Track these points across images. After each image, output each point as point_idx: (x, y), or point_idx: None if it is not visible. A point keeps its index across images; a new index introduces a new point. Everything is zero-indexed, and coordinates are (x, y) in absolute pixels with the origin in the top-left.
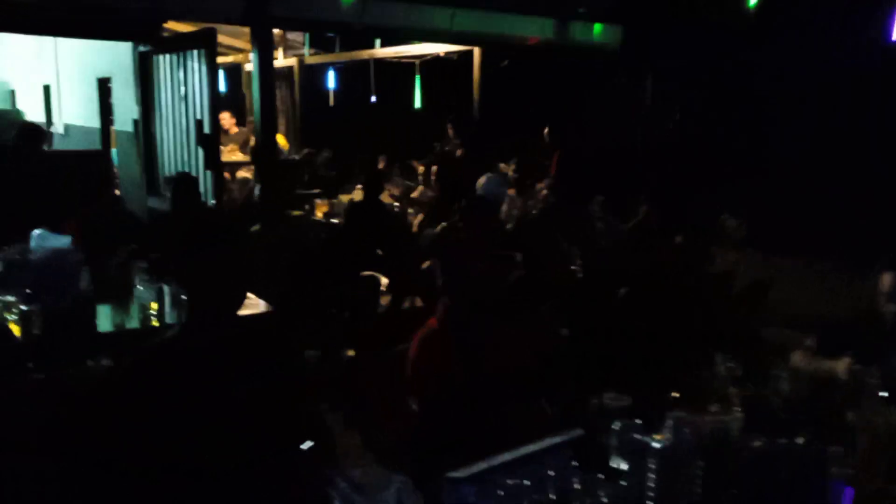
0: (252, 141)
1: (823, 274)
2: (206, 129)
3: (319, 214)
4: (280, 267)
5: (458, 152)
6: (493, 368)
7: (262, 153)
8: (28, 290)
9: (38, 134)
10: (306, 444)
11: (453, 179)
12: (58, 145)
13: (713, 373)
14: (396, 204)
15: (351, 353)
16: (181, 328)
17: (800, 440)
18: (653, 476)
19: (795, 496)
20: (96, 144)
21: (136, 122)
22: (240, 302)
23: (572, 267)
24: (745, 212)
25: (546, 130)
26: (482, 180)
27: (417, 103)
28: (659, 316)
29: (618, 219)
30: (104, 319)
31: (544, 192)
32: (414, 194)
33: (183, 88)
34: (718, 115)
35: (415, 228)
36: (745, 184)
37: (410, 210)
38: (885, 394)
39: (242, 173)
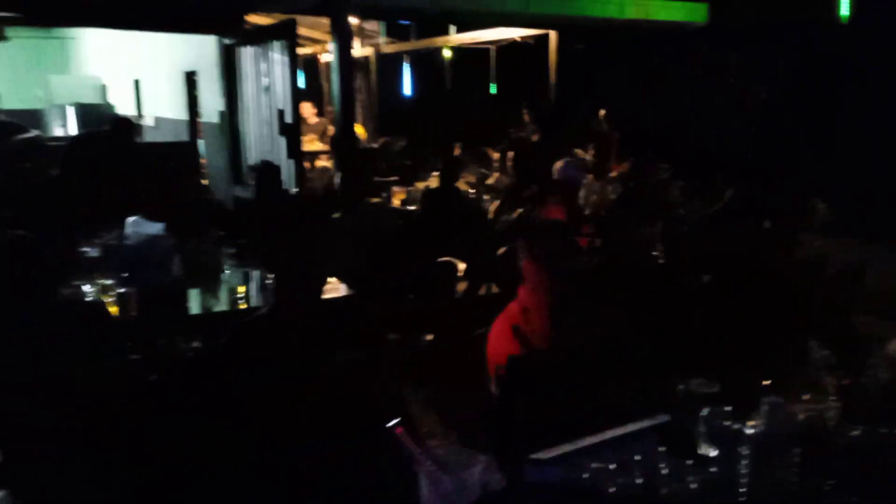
0: (330, 130)
1: None
2: (288, 119)
3: (396, 202)
4: (360, 253)
5: (534, 138)
6: (576, 351)
7: (342, 142)
8: (124, 274)
9: (128, 126)
10: (392, 422)
11: (529, 165)
12: (148, 137)
13: (807, 360)
14: (472, 191)
15: (429, 337)
16: (269, 309)
17: None
18: (746, 463)
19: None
20: (184, 136)
21: (221, 113)
22: (322, 285)
23: (653, 253)
24: (839, 196)
25: (602, 114)
26: (559, 165)
27: (493, 89)
28: (746, 302)
29: (700, 203)
30: (194, 302)
31: (613, 174)
32: (489, 181)
33: (265, 79)
34: (805, 98)
35: (490, 215)
36: (837, 167)
37: (486, 197)
38: None
39: (321, 162)
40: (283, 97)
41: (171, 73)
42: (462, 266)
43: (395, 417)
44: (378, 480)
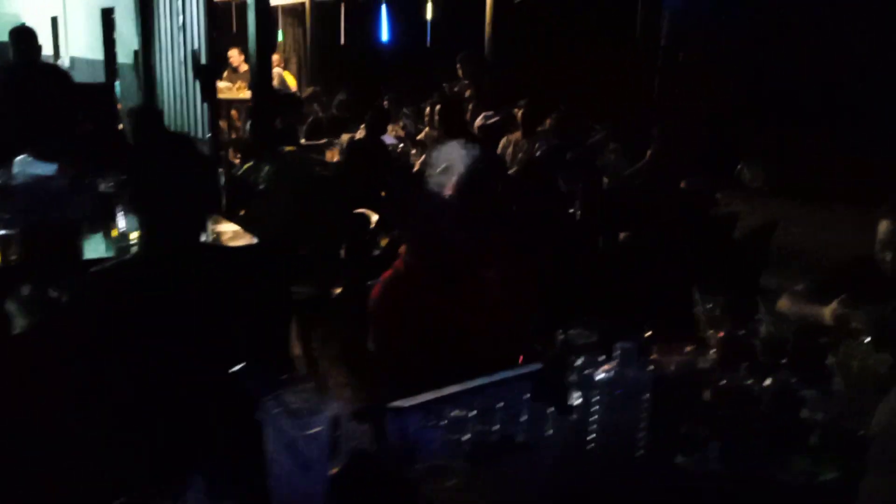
0: None
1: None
2: (203, 60)
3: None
4: (274, 203)
5: (467, 93)
6: (466, 313)
7: (256, 86)
8: (7, 216)
9: (27, 34)
10: (237, 367)
11: (454, 120)
12: None
13: (691, 313)
14: (401, 144)
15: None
16: (136, 254)
17: (768, 381)
18: (597, 409)
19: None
20: (101, 77)
21: (136, 53)
22: (196, 225)
23: (570, 210)
24: (789, 157)
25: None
26: (479, 120)
27: (429, 41)
28: (646, 258)
29: (626, 161)
30: (87, 247)
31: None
32: (420, 136)
33: (181, 17)
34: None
35: (416, 169)
36: (788, 131)
37: (412, 151)
38: (868, 339)
39: None
40: (198, 36)
41: (88, 11)
42: (375, 218)
43: (242, 362)
44: (214, 428)
